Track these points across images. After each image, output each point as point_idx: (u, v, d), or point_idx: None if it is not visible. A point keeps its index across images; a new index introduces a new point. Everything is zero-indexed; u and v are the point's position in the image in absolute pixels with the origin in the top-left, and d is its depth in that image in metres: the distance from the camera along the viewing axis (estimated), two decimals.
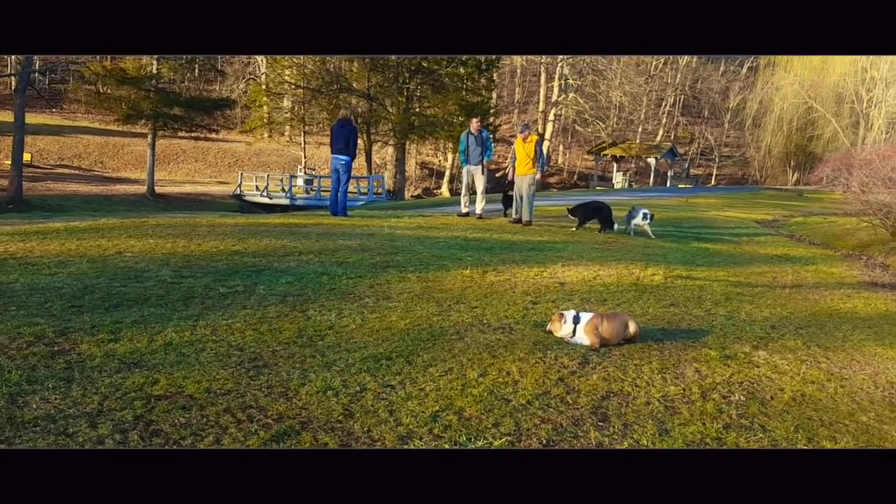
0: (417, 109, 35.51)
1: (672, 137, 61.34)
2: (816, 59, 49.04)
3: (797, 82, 49.30)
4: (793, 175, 54.16)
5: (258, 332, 4.39)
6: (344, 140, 12.06)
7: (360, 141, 23.86)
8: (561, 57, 49.89)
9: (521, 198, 12.54)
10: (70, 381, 3.31)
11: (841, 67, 48.16)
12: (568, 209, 12.93)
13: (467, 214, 13.18)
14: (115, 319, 4.37)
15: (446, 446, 3.00)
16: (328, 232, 9.17)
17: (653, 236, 12.22)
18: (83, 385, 3.27)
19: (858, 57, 47.73)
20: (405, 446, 2.96)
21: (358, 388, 3.57)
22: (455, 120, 33.67)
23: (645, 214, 12.22)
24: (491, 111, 37.53)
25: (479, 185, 13.05)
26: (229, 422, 3.03)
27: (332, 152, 12.23)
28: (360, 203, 24.09)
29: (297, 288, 5.71)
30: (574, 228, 12.26)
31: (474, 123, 13.17)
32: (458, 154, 14.56)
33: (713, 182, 58.84)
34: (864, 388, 4.61)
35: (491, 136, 15.78)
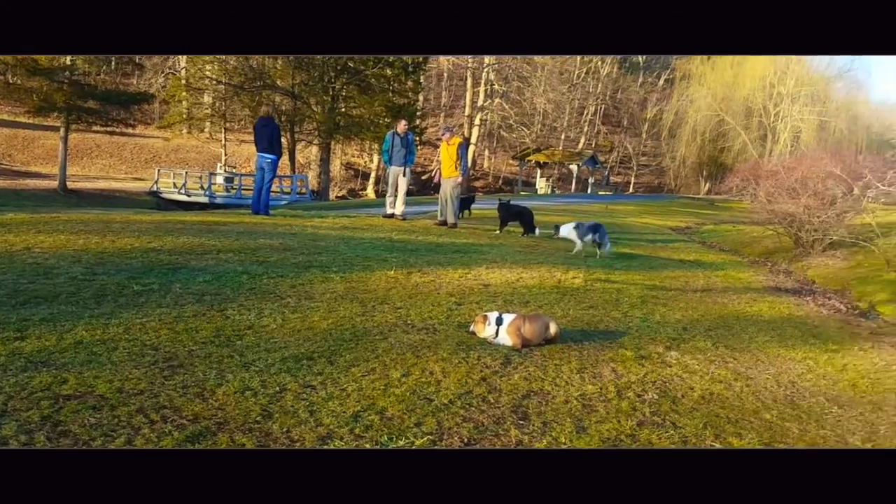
0: (343, 109, 35.17)
1: (593, 145, 62.95)
2: (728, 74, 51.37)
3: (710, 95, 51.43)
4: (705, 185, 56.45)
5: (174, 332, 4.25)
6: (267, 138, 11.86)
7: (283, 140, 23.48)
8: (487, 61, 50.49)
9: (446, 200, 12.62)
10: None
11: (751, 82, 50.56)
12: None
13: (392, 216, 13.18)
14: (23, 317, 4.14)
15: (367, 446, 2.98)
16: (249, 230, 8.98)
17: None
18: None
19: (766, 72, 50.31)
20: (324, 446, 2.93)
21: (277, 388, 3.51)
22: (381, 121, 33.54)
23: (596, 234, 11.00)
24: (417, 114, 37.56)
25: (402, 187, 13.06)
26: (142, 422, 2.92)
27: (258, 151, 12.02)
28: (283, 203, 23.68)
29: (216, 287, 5.57)
30: (497, 231, 12.44)
31: (402, 125, 13.19)
32: (381, 155, 14.58)
33: (631, 190, 60.69)
34: (768, 387, 4.85)
35: (416, 139, 15.91)
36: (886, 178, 13.91)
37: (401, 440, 3.08)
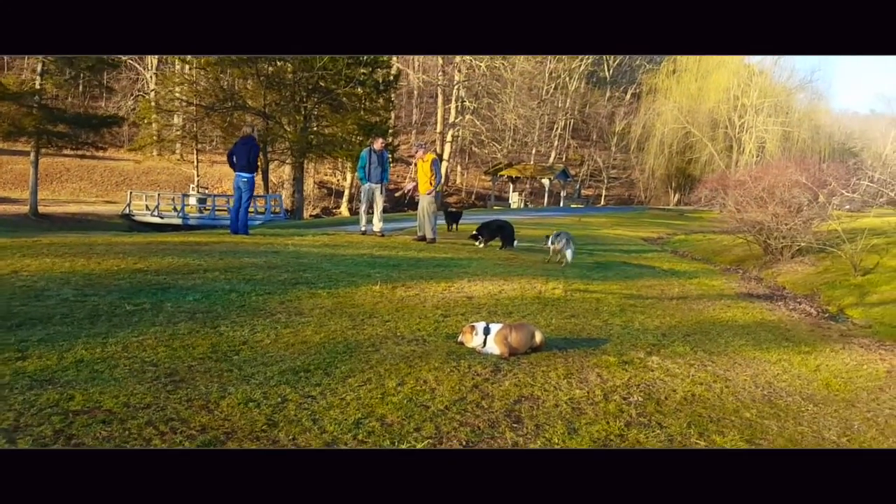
0: (315, 128, 35.24)
1: (564, 159, 63.64)
2: (693, 87, 52.39)
3: (676, 108, 52.33)
4: (674, 195, 57.31)
5: (171, 349, 4.33)
6: (246, 157, 11.93)
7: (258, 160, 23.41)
8: (457, 78, 50.96)
9: (424, 216, 12.78)
10: None
11: (715, 95, 51.58)
12: (471, 235, 13.32)
13: (365, 232, 13.32)
14: (21, 338, 4.20)
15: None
16: (231, 250, 9.04)
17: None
18: None
19: (730, 84, 51.40)
20: (327, 447, 3.05)
21: (279, 399, 3.61)
22: (354, 139, 33.67)
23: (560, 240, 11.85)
24: (389, 131, 37.75)
25: (379, 204, 13.21)
26: (152, 434, 3.01)
27: (236, 170, 12.06)
28: (258, 223, 23.62)
29: (206, 305, 5.64)
30: (481, 245, 12.62)
31: (378, 142, 13.34)
32: (356, 172, 14.73)
33: (602, 202, 61.35)
34: (746, 387, 5.06)
35: (390, 156, 16.13)
36: (850, 185, 14.35)
37: (403, 444, 3.20)
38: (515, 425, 3.67)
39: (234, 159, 12.03)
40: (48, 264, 6.76)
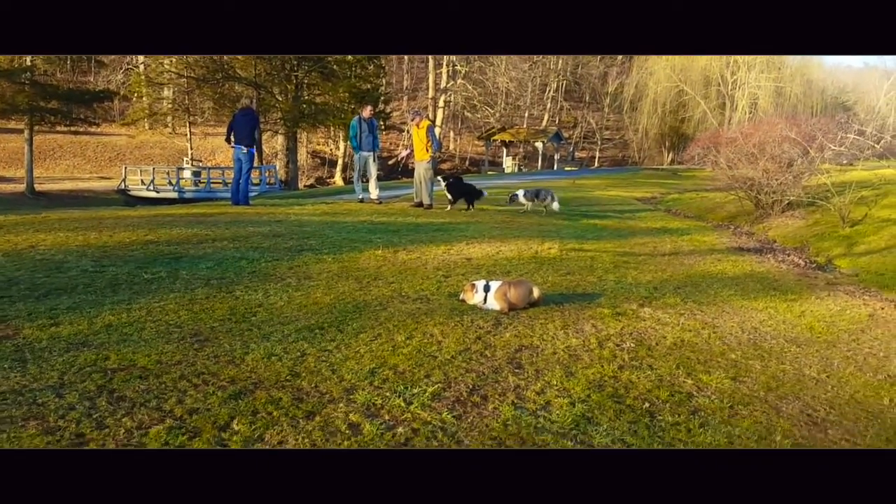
0: (307, 97, 35.20)
1: (557, 122, 63.54)
2: None
3: (669, 67, 52.17)
4: (668, 155, 57.44)
5: (192, 312, 4.62)
6: (249, 130, 12.07)
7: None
8: None
9: (420, 182, 12.99)
10: (24, 361, 3.47)
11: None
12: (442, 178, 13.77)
13: (362, 200, 13.53)
14: (50, 307, 4.48)
15: (388, 394, 3.40)
16: (236, 220, 9.28)
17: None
18: (38, 364, 3.44)
19: None
20: (351, 397, 3.34)
21: (298, 353, 3.91)
22: (346, 107, 33.65)
23: (525, 194, 13.88)
24: (381, 98, 37.71)
25: (373, 171, 13.40)
26: (187, 386, 3.30)
27: (235, 142, 12.19)
28: (254, 194, 23.75)
29: (219, 272, 5.92)
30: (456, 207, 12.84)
31: (367, 109, 13.47)
32: (349, 141, 14.78)
33: (597, 164, 61.43)
34: (733, 333, 5.37)
35: (381, 124, 16.19)
36: (837, 139, 14.58)
37: (415, 389, 3.50)
38: (517, 371, 3.97)
39: (234, 132, 12.15)
40: (62, 238, 7.01)
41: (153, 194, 29.65)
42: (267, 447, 2.78)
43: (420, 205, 12.86)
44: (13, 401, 2.99)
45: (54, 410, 2.93)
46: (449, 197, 13.17)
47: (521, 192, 13.96)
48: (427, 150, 12.90)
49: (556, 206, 13.69)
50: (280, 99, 33.52)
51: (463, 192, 13.23)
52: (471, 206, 13.06)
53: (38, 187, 31.82)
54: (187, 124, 42.36)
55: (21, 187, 31.41)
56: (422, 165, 13.02)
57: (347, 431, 2.98)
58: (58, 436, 2.71)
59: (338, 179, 45.39)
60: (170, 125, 48.57)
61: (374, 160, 13.33)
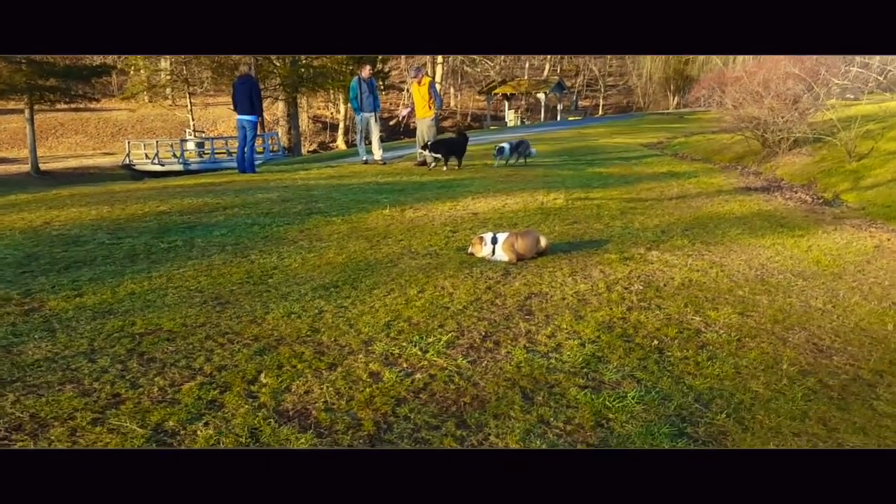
0: (305, 61, 34.94)
1: (558, 71, 62.86)
2: None
3: None
4: (673, 99, 56.81)
5: (211, 277, 4.76)
6: (248, 98, 12.09)
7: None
8: None
9: (424, 140, 13.00)
10: (53, 330, 3.62)
11: None
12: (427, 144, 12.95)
13: (366, 161, 13.58)
14: (72, 279, 4.62)
15: (404, 344, 3.54)
16: (244, 188, 9.39)
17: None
18: (67, 333, 3.59)
19: None
20: (369, 349, 3.48)
21: (316, 311, 4.04)
22: (344, 69, 33.43)
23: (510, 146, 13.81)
24: (379, 57, 37.38)
25: (375, 132, 13.42)
26: (213, 346, 3.45)
27: (238, 112, 12.23)
28: (259, 162, 23.81)
29: (233, 238, 6.05)
30: (438, 166, 12.64)
31: (366, 70, 13.43)
32: (349, 103, 14.71)
33: (601, 112, 60.90)
34: (741, 270, 5.47)
35: (380, 84, 16.12)
36: (841, 72, 14.44)
37: (430, 338, 3.63)
38: (528, 317, 4.10)
39: (235, 101, 12.18)
40: (76, 213, 7.15)
41: (158, 168, 29.80)
42: (295, 397, 2.93)
43: (423, 163, 12.90)
44: (48, 367, 3.14)
45: (88, 374, 3.08)
46: (433, 156, 12.66)
47: (506, 146, 13.69)
48: (430, 108, 12.89)
49: (533, 151, 14.11)
50: (278, 64, 33.30)
51: (451, 150, 12.77)
52: (458, 164, 12.82)
53: (42, 166, 31.96)
54: (187, 95, 42.26)
55: (25, 167, 31.56)
56: (424, 123, 13.02)
57: (369, 380, 3.12)
58: (94, 397, 2.86)
59: (340, 143, 45.31)
60: (169, 97, 48.40)
61: (375, 121, 13.35)
